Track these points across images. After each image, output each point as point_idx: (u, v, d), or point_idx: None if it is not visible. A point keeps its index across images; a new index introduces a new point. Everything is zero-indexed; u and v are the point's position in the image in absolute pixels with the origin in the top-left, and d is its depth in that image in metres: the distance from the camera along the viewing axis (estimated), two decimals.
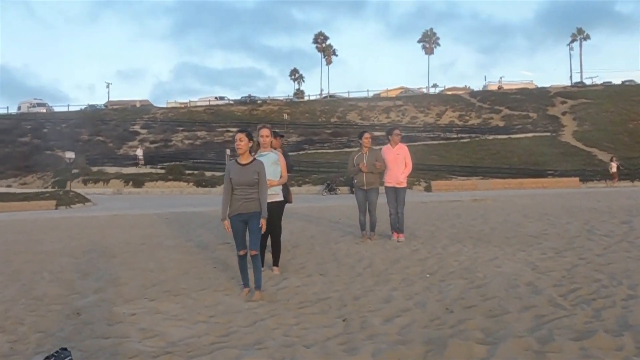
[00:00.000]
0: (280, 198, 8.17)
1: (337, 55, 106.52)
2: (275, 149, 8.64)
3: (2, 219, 23.23)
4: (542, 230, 11.34)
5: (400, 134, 10.97)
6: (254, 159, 6.65)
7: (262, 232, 6.58)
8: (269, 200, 7.63)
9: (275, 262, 8.21)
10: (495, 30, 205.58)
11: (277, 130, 9.16)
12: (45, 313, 6.20)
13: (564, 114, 62.63)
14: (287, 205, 9.36)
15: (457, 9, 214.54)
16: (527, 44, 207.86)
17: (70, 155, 40.69)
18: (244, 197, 6.54)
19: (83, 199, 34.94)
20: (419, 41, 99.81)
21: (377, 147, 11.09)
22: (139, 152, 51.53)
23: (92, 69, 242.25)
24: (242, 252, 6.68)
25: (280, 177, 8.05)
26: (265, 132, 7.97)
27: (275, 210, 7.94)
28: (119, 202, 33.33)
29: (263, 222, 6.49)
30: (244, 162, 6.56)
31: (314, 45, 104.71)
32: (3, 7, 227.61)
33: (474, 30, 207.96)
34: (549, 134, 55.61)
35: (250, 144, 6.57)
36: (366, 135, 10.68)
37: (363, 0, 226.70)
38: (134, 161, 50.92)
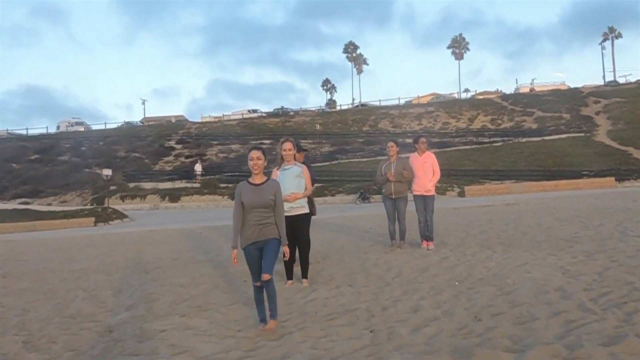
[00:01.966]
0: (306, 210, 8.17)
1: (367, 64, 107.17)
2: (298, 161, 8.70)
3: (42, 237, 23.74)
4: (574, 233, 11.19)
5: (426, 141, 10.92)
6: (268, 178, 6.01)
7: (286, 258, 6.15)
8: (295, 213, 7.92)
9: (304, 275, 8.20)
10: (522, 34, 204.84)
11: (300, 145, 9.18)
12: (78, 331, 6.33)
13: (597, 113, 61.73)
14: (314, 217, 9.44)
15: (483, 17, 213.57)
16: (557, 46, 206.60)
17: (107, 172, 41.51)
18: (259, 222, 5.81)
19: (121, 215, 35.56)
20: (449, 47, 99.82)
21: (405, 156, 11.08)
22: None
23: (129, 88, 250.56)
24: (259, 283, 5.90)
25: (305, 189, 8.07)
26: (288, 145, 7.95)
27: (302, 223, 8.06)
28: (156, 217, 33.78)
29: (286, 250, 5.94)
30: (257, 181, 5.88)
31: (345, 55, 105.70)
32: (44, 32, 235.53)
33: (501, 36, 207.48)
34: (582, 134, 54.85)
35: (265, 163, 5.92)
36: (390, 144, 10.69)
37: (388, 13, 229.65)
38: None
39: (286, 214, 7.44)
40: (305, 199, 8.15)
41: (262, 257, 5.84)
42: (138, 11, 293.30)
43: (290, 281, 8.13)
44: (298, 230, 7.97)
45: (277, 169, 8.09)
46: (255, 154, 5.85)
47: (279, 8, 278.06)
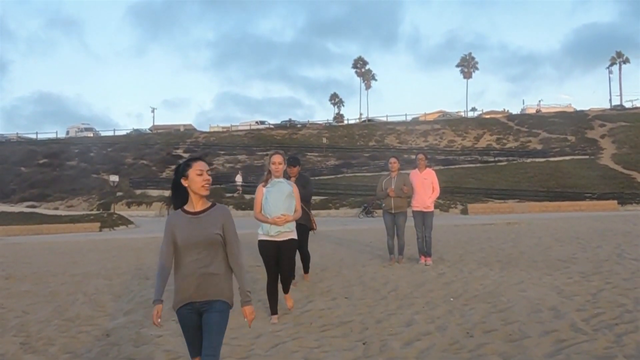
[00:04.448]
0: (295, 236, 6.97)
1: (376, 80, 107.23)
2: (292, 176, 8.50)
3: (47, 240, 23.87)
4: (571, 254, 11.24)
5: (423, 158, 11.02)
6: (214, 203, 3.97)
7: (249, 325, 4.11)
8: (283, 238, 6.82)
9: (286, 290, 7.22)
10: (526, 59, 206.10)
11: (296, 157, 8.91)
12: (75, 334, 6.44)
13: (602, 137, 61.54)
14: (316, 230, 9.51)
15: (487, 41, 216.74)
16: (560, 70, 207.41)
17: (114, 178, 41.75)
18: (198, 269, 3.79)
19: (126, 221, 35.62)
20: (458, 65, 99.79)
21: (406, 172, 11.18)
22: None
23: (139, 98, 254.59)
24: None
25: (295, 211, 6.82)
26: (277, 158, 6.76)
27: (289, 249, 6.93)
28: (160, 225, 33.68)
29: (247, 312, 3.97)
30: (198, 208, 3.87)
31: (354, 71, 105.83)
32: (59, 42, 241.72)
33: (504, 60, 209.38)
34: (587, 156, 54.73)
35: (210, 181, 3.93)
36: (392, 160, 10.81)
37: (395, 35, 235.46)
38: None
39: (273, 238, 6.72)
40: (294, 223, 6.94)
41: (204, 330, 3.83)
42: (150, 25, 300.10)
43: (275, 316, 6.93)
44: (283, 255, 6.86)
45: (263, 186, 6.83)
46: (199, 165, 3.90)
47: (288, 26, 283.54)
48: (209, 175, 3.87)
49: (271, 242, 6.76)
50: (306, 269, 9.57)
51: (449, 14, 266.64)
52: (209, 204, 3.93)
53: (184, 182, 3.83)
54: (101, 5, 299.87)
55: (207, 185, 3.84)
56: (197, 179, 3.81)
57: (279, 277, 7.05)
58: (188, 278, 3.79)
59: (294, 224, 6.89)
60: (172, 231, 3.83)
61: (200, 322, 3.83)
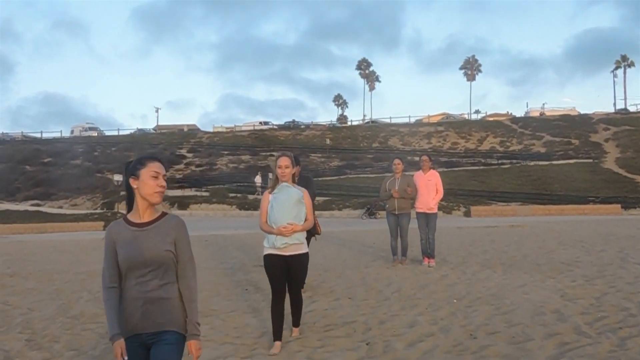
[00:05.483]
0: (306, 249, 5.87)
1: (380, 82, 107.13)
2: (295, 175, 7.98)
3: (51, 239, 23.93)
4: (575, 258, 11.24)
5: (427, 160, 11.06)
6: (164, 213, 3.22)
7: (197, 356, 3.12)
8: (291, 252, 5.72)
9: (296, 322, 6.23)
10: (528, 63, 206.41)
11: (297, 157, 8.23)
12: (80, 332, 6.47)
13: (606, 140, 61.37)
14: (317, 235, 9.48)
15: (488, 45, 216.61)
16: (567, 73, 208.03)
17: (118, 177, 41.81)
18: (145, 293, 3.03)
19: None
20: (461, 68, 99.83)
21: (410, 173, 11.19)
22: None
23: (144, 99, 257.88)
24: None
25: (306, 219, 5.80)
26: (284, 161, 5.79)
27: (300, 265, 5.86)
28: None
29: (193, 347, 3.07)
30: (145, 218, 3.14)
31: (358, 72, 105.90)
32: (64, 44, 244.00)
33: (508, 63, 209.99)
34: (591, 160, 54.59)
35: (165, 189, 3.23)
36: (396, 161, 10.82)
37: (397, 39, 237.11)
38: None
39: (279, 252, 5.65)
40: (304, 233, 5.89)
41: None
42: (154, 27, 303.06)
43: (278, 343, 5.74)
44: (293, 273, 5.79)
45: (270, 192, 5.89)
46: (156, 166, 3.17)
47: (291, 29, 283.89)
48: (165, 180, 3.17)
49: (279, 256, 5.67)
50: None
51: (450, 18, 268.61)
52: (159, 213, 3.20)
53: (133, 183, 3.13)
54: (106, 7, 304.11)
55: (160, 192, 3.13)
56: (151, 182, 3.10)
57: (288, 295, 5.98)
58: (132, 304, 3.03)
59: (304, 235, 5.84)
60: (113, 247, 3.10)
61: (145, 353, 3.06)
